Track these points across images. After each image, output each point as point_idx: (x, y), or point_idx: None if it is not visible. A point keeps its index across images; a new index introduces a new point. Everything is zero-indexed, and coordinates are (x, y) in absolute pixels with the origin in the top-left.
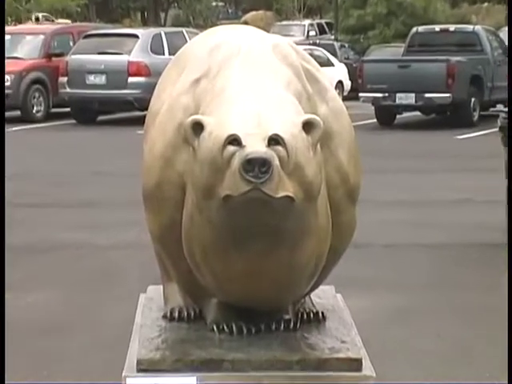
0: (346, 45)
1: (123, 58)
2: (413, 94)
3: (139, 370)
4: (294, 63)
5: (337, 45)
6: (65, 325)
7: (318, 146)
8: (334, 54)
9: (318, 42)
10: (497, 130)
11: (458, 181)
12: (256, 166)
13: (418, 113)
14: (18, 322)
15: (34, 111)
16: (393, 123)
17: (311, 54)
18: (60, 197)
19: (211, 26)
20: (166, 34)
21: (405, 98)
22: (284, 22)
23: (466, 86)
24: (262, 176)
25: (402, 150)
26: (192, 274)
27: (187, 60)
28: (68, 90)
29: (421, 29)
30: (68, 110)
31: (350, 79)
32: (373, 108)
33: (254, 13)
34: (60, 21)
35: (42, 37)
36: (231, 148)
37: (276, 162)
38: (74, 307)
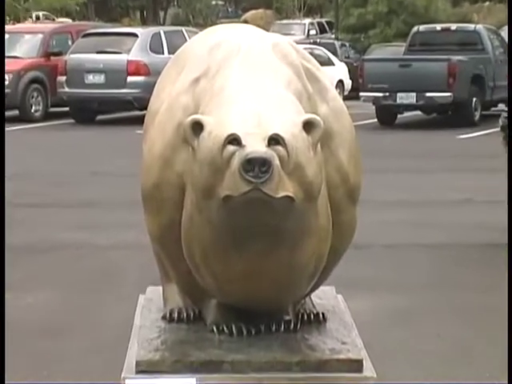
0: (347, 44)
1: (122, 57)
2: (414, 94)
3: (138, 371)
4: (294, 62)
5: (337, 44)
6: (64, 325)
7: (319, 145)
8: (335, 53)
9: (318, 40)
10: (498, 129)
11: (458, 181)
12: (256, 166)
13: (418, 112)
14: (18, 322)
15: (32, 111)
16: (394, 123)
17: (311, 53)
18: (59, 197)
19: (211, 25)
20: (165, 33)
21: (406, 98)
22: (284, 21)
23: (467, 86)
24: (262, 176)
25: (403, 150)
26: (191, 274)
27: (187, 59)
28: (67, 89)
29: (422, 28)
30: (67, 109)
31: (351, 78)
32: (373, 107)
33: (253, 11)
34: (61, 20)
35: (40, 36)
36: (231, 148)
37: (276, 161)
38: (73, 307)
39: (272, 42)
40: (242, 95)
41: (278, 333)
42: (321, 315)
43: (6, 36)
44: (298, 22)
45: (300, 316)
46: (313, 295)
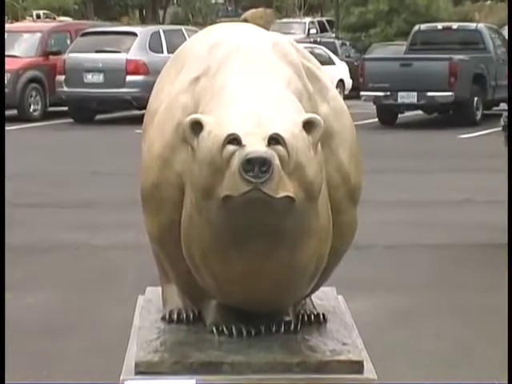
0: (347, 43)
1: (121, 57)
2: (415, 93)
3: (137, 373)
4: (294, 61)
5: (338, 43)
6: (64, 325)
7: (319, 145)
8: (335, 52)
9: (318, 39)
10: (500, 129)
11: (459, 181)
12: (256, 166)
13: (420, 112)
14: (18, 322)
15: (30, 110)
16: (394, 122)
17: (312, 52)
18: (58, 197)
19: (210, 24)
20: (164, 31)
21: (407, 97)
22: (284, 20)
23: (468, 85)
24: (262, 176)
25: (404, 150)
26: (191, 275)
27: (186, 58)
28: (65, 88)
29: (423, 27)
30: (65, 108)
31: (351, 78)
32: (374, 107)
33: (253, 10)
34: (61, 18)
35: (39, 35)
36: (231, 147)
37: (276, 161)
38: (73, 307)
39: (272, 41)
40: (242, 94)
41: (278, 334)
42: (321, 316)
43: (5, 35)
44: (299, 20)
45: (300, 317)
46: (313, 296)
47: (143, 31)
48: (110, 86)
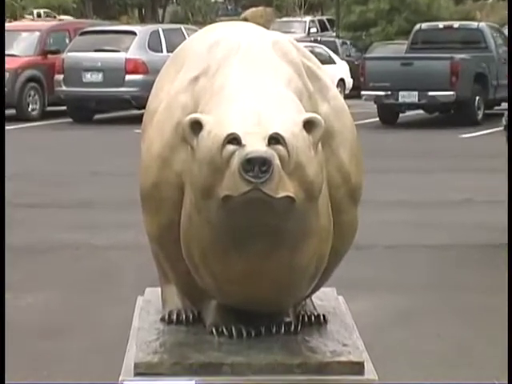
0: (348, 42)
1: (120, 56)
2: (416, 92)
3: (136, 374)
4: (294, 60)
5: (338, 42)
6: (64, 326)
7: (319, 145)
8: (336, 52)
9: (319, 38)
10: (501, 128)
11: (461, 181)
12: (256, 166)
13: (421, 111)
14: (17, 323)
15: (29, 110)
16: (395, 122)
17: (312, 52)
18: (57, 197)
19: (210, 23)
20: (164, 30)
21: (408, 97)
22: (284, 19)
23: (470, 84)
24: (262, 176)
25: (405, 150)
26: (190, 275)
27: (186, 57)
28: (64, 87)
29: (424, 26)
30: (64, 108)
31: (352, 77)
32: (375, 106)
33: (253, 9)
34: (62, 17)
35: (37, 34)
36: (231, 147)
37: (276, 161)
38: (72, 308)
39: (272, 40)
40: (242, 94)
41: (278, 335)
42: (321, 317)
43: None
44: (299, 19)
45: (300, 318)
46: (313, 296)
47: (142, 30)
48: (108, 86)
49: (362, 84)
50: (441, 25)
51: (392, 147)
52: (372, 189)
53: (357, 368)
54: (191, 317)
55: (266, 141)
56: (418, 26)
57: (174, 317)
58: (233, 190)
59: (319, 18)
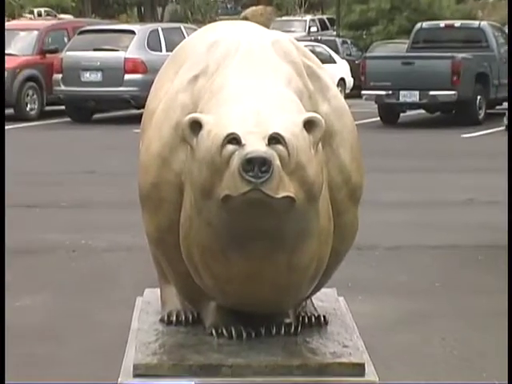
0: (349, 41)
1: (119, 55)
2: (417, 92)
3: (136, 376)
4: (294, 60)
5: (339, 41)
6: (62, 327)
7: (320, 145)
8: (336, 51)
9: (319, 38)
10: (503, 128)
11: (463, 181)
12: (256, 166)
13: (422, 111)
14: (13, 325)
15: (27, 109)
16: (396, 122)
17: (312, 51)
18: (55, 197)
19: (210, 22)
20: (163, 29)
21: (409, 96)
22: (284, 18)
23: (471, 84)
24: (261, 176)
25: (406, 150)
26: (190, 276)
27: (185, 57)
28: (63, 87)
29: (425, 25)
30: (63, 108)
31: (353, 76)
32: (376, 106)
33: (253, 8)
34: (62, 16)
35: (35, 33)
36: (230, 147)
37: (276, 161)
38: (70, 309)
39: (272, 40)
40: (242, 94)
41: (278, 336)
42: (322, 318)
43: None
44: (299, 18)
45: (301, 319)
46: (314, 297)
47: (141, 29)
48: (107, 85)
49: (363, 83)
50: (442, 24)
51: (393, 147)
52: (373, 189)
53: (357, 369)
54: (191, 318)
55: (266, 141)
56: (419, 25)
57: (174, 318)
58: (233, 190)
59: (319, 16)
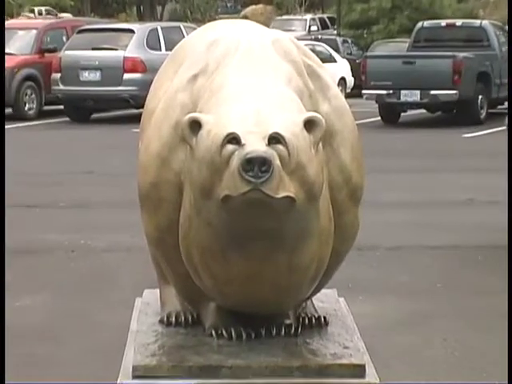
0: (349, 40)
1: (118, 54)
2: (418, 91)
3: (135, 377)
4: (295, 59)
5: (339, 40)
6: (61, 328)
7: (320, 144)
8: (337, 50)
9: (319, 37)
10: (505, 128)
11: (464, 180)
12: (256, 166)
13: (423, 110)
14: (13, 325)
15: (26, 109)
16: (397, 121)
17: (313, 50)
18: (54, 197)
19: (209, 21)
20: (162, 28)
21: (410, 96)
22: (285, 17)
23: (472, 83)
24: (261, 176)
25: (407, 149)
26: (189, 277)
27: (185, 56)
28: (61, 86)
29: (426, 24)
30: (61, 107)
31: (353, 76)
32: (376, 105)
33: (253, 7)
34: (62, 15)
35: (34, 32)
36: (230, 147)
37: (276, 161)
38: (69, 310)
39: (272, 39)
40: (242, 93)
41: (278, 337)
42: (322, 319)
43: None
44: (299, 17)
45: (301, 320)
46: (314, 298)
47: (141, 28)
48: (106, 84)
49: (364, 83)
50: (443, 23)
51: (394, 147)
52: (373, 189)
53: (358, 370)
54: (190, 319)
55: (266, 140)
56: (420, 24)
57: (173, 319)
58: (232, 190)
59: (320, 15)
